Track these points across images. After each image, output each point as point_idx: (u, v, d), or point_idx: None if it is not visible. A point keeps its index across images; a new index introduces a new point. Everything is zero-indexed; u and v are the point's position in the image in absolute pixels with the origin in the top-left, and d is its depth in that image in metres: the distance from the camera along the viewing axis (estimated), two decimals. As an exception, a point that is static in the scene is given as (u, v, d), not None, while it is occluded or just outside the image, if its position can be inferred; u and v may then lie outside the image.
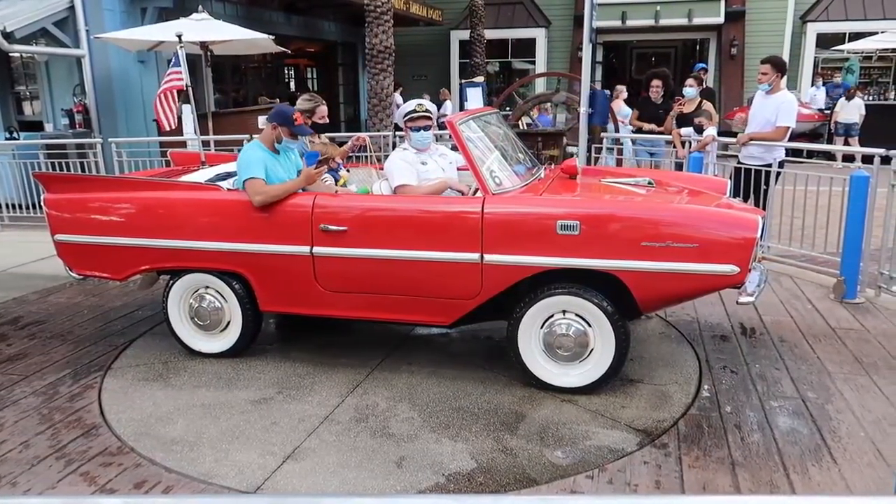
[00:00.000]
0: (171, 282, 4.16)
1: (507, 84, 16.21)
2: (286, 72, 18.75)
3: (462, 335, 4.49)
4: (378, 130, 9.61)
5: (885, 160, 5.11)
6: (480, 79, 13.61)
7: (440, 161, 4.24)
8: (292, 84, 18.59)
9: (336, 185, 4.43)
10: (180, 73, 5.53)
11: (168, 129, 6.13)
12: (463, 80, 14.05)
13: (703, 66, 9.19)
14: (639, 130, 7.40)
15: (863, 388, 3.58)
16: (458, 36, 18.02)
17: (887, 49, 15.91)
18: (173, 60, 5.68)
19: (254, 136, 6.33)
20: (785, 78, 6.08)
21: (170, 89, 5.63)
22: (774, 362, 3.94)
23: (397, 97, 12.03)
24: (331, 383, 3.80)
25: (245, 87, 15.53)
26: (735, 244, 3.28)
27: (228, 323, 4.11)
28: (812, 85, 15.45)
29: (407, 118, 4.12)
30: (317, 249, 3.80)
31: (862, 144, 12.17)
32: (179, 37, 6.06)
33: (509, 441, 3.18)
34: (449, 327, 3.98)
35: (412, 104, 4.16)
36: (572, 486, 2.83)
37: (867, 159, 5.21)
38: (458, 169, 4.29)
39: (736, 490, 2.75)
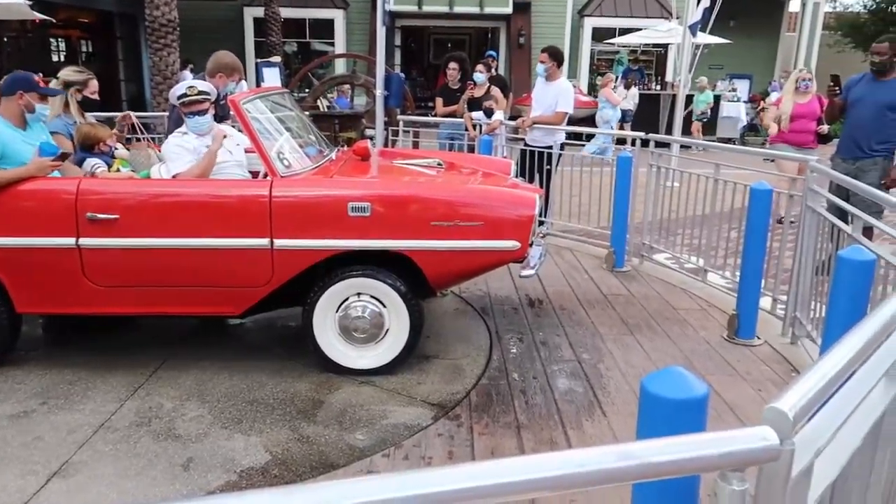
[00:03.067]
0: None
1: (305, 64, 15.82)
2: (55, 44, 16.70)
3: (257, 324, 4.31)
4: (164, 110, 8.88)
5: (645, 143, 5.74)
6: (277, 59, 13.10)
7: (226, 143, 3.98)
8: (62, 57, 16.58)
9: (109, 170, 3.98)
10: None
11: None
12: (259, 60, 13.46)
13: (493, 53, 9.64)
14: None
15: (628, 347, 4.00)
16: (252, 13, 17.22)
17: (649, 44, 17.93)
18: None
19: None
20: (565, 67, 6.59)
21: None
22: (556, 329, 4.27)
23: (186, 74, 11.19)
24: (107, 388, 3.44)
25: (1, 59, 13.55)
26: (515, 221, 3.47)
27: (-24, 329, 3.56)
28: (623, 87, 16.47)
29: (180, 102, 3.80)
30: (84, 241, 3.41)
31: (630, 129, 13.64)
32: None
33: (306, 429, 3.11)
34: (241, 317, 3.79)
35: (183, 87, 3.80)
36: (369, 466, 2.84)
37: (635, 142, 5.82)
38: (246, 151, 4.07)
39: (521, 451, 2.93)
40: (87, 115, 4.24)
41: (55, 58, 16.40)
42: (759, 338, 4.11)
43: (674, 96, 11.54)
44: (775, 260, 4.50)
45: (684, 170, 5.50)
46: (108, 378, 3.54)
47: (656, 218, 5.61)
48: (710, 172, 4.96)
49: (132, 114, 4.50)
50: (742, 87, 16.79)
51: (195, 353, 3.87)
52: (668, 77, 18.06)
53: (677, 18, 15.07)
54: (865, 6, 21.46)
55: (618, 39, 17.20)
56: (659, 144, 6.01)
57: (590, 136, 11.25)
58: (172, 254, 3.42)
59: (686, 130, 12.06)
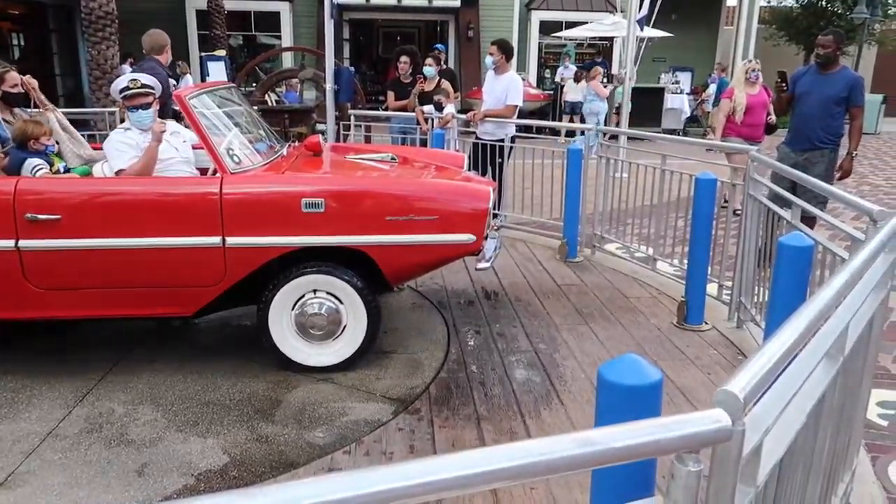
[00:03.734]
0: None
1: (252, 58, 15.54)
2: (-17, 36, 15.94)
3: (211, 325, 4.23)
4: (104, 106, 8.60)
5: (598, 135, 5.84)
6: (222, 52, 12.86)
7: (172, 140, 3.89)
8: (-8, 51, 15.84)
9: (51, 169, 3.82)
10: None
11: None
12: (203, 54, 13.17)
13: (440, 47, 9.64)
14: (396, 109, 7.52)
15: (582, 336, 4.08)
16: (195, 5, 16.75)
17: (595, 37, 18.18)
18: None
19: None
20: (514, 61, 6.63)
21: None
22: (512, 320, 4.32)
23: (126, 68, 10.85)
24: (53, 394, 3.34)
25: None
26: (470, 214, 3.50)
27: None
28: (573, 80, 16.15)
29: (122, 96, 3.70)
30: (24, 243, 3.28)
31: (582, 121, 13.83)
32: None
33: (265, 429, 3.08)
34: (193, 317, 3.72)
35: (125, 80, 3.71)
36: (330, 463, 2.83)
37: (584, 134, 5.92)
38: (194, 147, 3.98)
39: (481, 443, 2.96)
40: (20, 110, 4.04)
41: (-16, 52, 15.67)
42: (706, 323, 4.24)
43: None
44: (720, 247, 4.65)
45: (633, 161, 5.63)
46: (54, 384, 3.43)
47: (607, 209, 5.72)
48: (657, 163, 5.08)
49: (29, 79, 4.22)
50: (684, 79, 17.20)
51: (147, 355, 3.78)
52: (614, 70, 18.36)
53: (621, 12, 15.33)
54: (798, 1, 22.23)
55: (564, 33, 17.39)
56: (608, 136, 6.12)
57: (539, 129, 11.36)
58: (119, 254, 3.33)
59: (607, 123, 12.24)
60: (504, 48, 6.33)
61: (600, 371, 1.43)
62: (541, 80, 18.78)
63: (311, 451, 2.92)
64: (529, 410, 3.24)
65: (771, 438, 1.22)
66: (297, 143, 4.80)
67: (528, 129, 7.16)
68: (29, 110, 4.09)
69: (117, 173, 3.61)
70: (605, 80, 15.73)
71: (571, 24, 17.39)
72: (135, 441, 2.97)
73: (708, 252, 4.28)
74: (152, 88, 3.77)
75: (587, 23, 16.82)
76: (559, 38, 17.85)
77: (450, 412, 3.22)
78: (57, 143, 3.87)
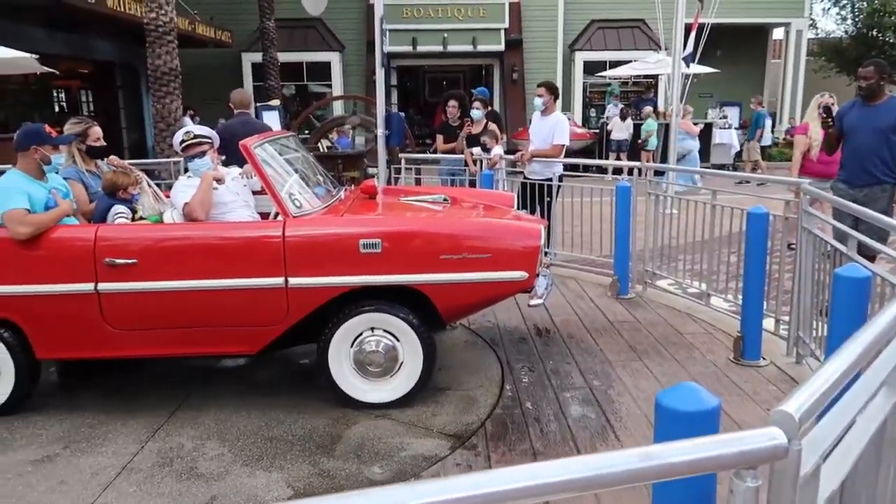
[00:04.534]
0: (-80, 336, 3.59)
1: (305, 107, 16.12)
2: (56, 94, 16.99)
3: (272, 362, 4.38)
4: (168, 157, 9.06)
5: (640, 172, 5.89)
6: (276, 102, 13.38)
7: (233, 185, 4.11)
8: (65, 108, 16.88)
9: (134, 217, 4.07)
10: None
11: None
12: (258, 104, 13.74)
13: (484, 91, 9.85)
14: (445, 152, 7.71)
15: (637, 372, 4.07)
16: (251, 58, 17.60)
17: (640, 75, 18.27)
18: None
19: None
20: (559, 101, 6.77)
21: None
22: (565, 357, 4.34)
23: (186, 120, 11.43)
24: (127, 430, 3.51)
25: (4, 110, 13.84)
26: (522, 252, 3.58)
27: (-2, 376, 3.63)
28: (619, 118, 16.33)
29: (181, 148, 3.98)
30: (103, 286, 3.51)
31: (629, 158, 13.85)
32: (-84, 55, 5.27)
33: (326, 463, 3.17)
34: (257, 355, 3.87)
35: (180, 134, 4.03)
36: (390, 497, 2.88)
37: (632, 171, 5.98)
38: (255, 193, 4.19)
39: (538, 477, 2.98)
40: (103, 164, 4.34)
41: (56, 108, 16.69)
42: (764, 358, 4.18)
43: (667, 125, 11.76)
44: (776, 282, 4.60)
45: (682, 196, 5.64)
46: (127, 420, 3.61)
47: (657, 245, 5.72)
48: (707, 198, 5.08)
49: (119, 161, 4.52)
50: (732, 113, 17.08)
51: (212, 392, 3.94)
52: (660, 107, 18.38)
53: (665, 49, 15.40)
54: (847, 32, 21.93)
55: (609, 72, 17.56)
56: (657, 172, 6.16)
57: (586, 168, 11.42)
58: (190, 296, 3.51)
59: (637, 159, 12.22)
60: (552, 89, 6.48)
61: (658, 397, 1.48)
62: (586, 119, 18.91)
63: (371, 486, 2.99)
64: (586, 446, 3.25)
65: (830, 464, 1.25)
66: (352, 187, 4.99)
67: (575, 167, 7.25)
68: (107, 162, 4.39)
69: (185, 207, 3.81)
70: (637, 115, 15.74)
71: (615, 63, 17.54)
72: (204, 475, 3.09)
73: (763, 286, 4.24)
74: (208, 138, 4.04)
75: (631, 61, 16.94)
76: (603, 77, 18.01)
77: (506, 448, 3.25)
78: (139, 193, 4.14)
